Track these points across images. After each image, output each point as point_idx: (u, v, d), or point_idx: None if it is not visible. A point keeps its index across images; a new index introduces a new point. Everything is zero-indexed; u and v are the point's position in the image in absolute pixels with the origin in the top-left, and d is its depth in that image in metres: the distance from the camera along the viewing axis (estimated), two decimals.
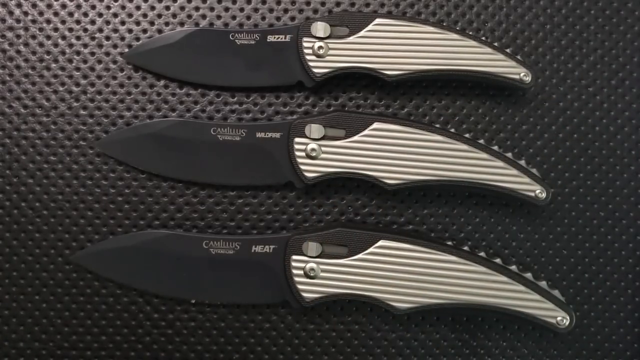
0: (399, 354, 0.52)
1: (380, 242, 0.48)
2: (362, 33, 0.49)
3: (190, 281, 0.50)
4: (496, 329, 0.52)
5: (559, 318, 0.47)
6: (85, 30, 0.52)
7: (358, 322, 0.52)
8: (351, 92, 0.52)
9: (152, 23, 0.52)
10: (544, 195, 0.48)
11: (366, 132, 0.49)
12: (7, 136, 0.52)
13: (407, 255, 0.48)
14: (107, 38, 0.52)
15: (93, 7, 0.52)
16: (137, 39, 0.52)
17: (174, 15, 0.53)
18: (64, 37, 0.52)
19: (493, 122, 0.53)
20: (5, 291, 0.51)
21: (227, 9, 0.53)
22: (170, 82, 0.52)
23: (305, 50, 0.50)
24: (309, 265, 0.48)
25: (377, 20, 0.49)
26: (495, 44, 0.51)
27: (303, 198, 0.52)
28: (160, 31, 0.52)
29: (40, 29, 0.52)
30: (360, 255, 0.48)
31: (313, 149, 0.49)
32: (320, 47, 0.49)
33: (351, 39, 0.49)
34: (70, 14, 0.52)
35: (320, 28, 0.49)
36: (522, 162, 0.49)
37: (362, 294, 0.48)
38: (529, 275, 0.49)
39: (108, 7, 0.52)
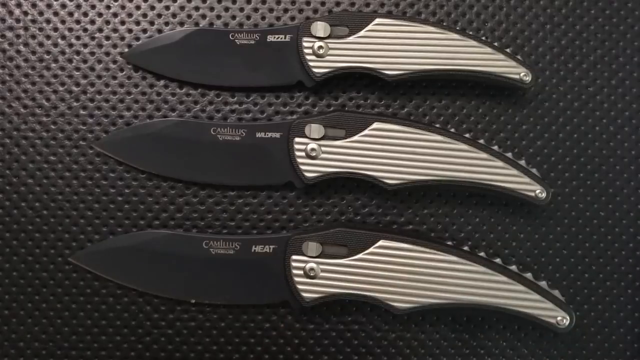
0: (399, 354, 0.52)
1: (380, 242, 0.48)
2: (362, 33, 0.49)
3: (190, 281, 0.50)
4: (496, 329, 0.52)
5: (559, 318, 0.47)
6: (85, 30, 0.52)
7: (358, 322, 0.52)
8: (351, 92, 0.52)
9: (151, 23, 0.52)
10: (544, 195, 0.48)
11: (366, 132, 0.49)
12: (7, 136, 0.52)
13: (407, 255, 0.48)
14: (107, 38, 0.52)
15: (93, 6, 0.52)
16: (137, 38, 0.52)
17: (174, 15, 0.52)
18: (63, 37, 0.52)
19: (493, 122, 0.53)
20: (5, 291, 0.51)
21: (227, 9, 0.53)
22: (170, 82, 0.52)
23: (305, 50, 0.49)
24: (309, 265, 0.48)
25: (377, 20, 0.49)
26: (495, 43, 0.51)
27: (303, 198, 0.52)
28: (160, 31, 0.52)
29: (40, 29, 0.52)
30: (360, 255, 0.48)
31: (313, 149, 0.49)
32: (320, 47, 0.49)
33: (351, 38, 0.49)
34: (70, 14, 0.52)
35: (320, 28, 0.49)
36: (522, 162, 0.49)
37: (362, 294, 0.48)
38: (529, 275, 0.49)
39: (108, 7, 0.52)
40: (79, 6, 0.52)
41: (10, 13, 0.52)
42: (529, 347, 0.52)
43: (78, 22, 0.52)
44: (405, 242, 0.48)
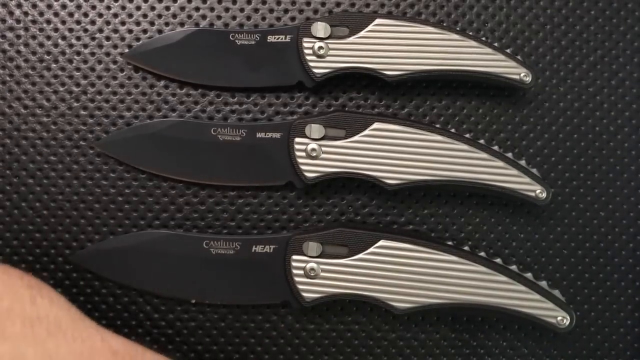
0: (399, 354, 0.52)
1: (380, 242, 0.48)
2: (362, 33, 0.49)
3: (190, 281, 0.50)
4: (496, 329, 0.52)
5: (559, 318, 0.47)
6: (86, 30, 0.52)
7: (358, 322, 0.52)
8: (351, 93, 0.52)
9: (152, 23, 0.52)
10: (544, 195, 0.48)
11: (366, 132, 0.49)
12: (7, 136, 0.52)
13: (407, 255, 0.48)
14: (108, 38, 0.52)
15: (93, 7, 0.52)
16: (138, 39, 0.52)
17: (174, 16, 0.53)
18: (64, 38, 0.52)
19: (493, 123, 0.53)
20: None
21: (227, 10, 0.53)
22: (171, 82, 0.52)
23: (306, 51, 0.50)
24: (309, 265, 0.48)
25: (377, 21, 0.49)
26: (496, 44, 0.51)
27: (303, 198, 0.52)
28: (160, 31, 0.52)
29: (41, 30, 0.52)
30: (360, 255, 0.48)
31: (313, 149, 0.49)
32: (320, 48, 0.49)
33: (351, 39, 0.49)
34: (71, 15, 0.52)
35: (320, 28, 0.49)
36: (522, 162, 0.49)
37: (362, 294, 0.48)
38: (529, 275, 0.49)
39: (108, 8, 0.52)
40: (79, 7, 0.52)
41: (11, 13, 0.52)
42: (529, 347, 0.52)
43: (78, 22, 0.52)
44: (405, 242, 0.48)
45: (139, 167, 0.51)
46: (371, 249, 0.48)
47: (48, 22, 0.52)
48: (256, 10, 0.53)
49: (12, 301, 0.40)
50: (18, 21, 0.52)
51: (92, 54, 0.52)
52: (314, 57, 0.50)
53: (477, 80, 0.50)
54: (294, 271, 0.48)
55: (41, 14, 0.52)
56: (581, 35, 0.53)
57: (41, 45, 0.52)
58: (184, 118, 0.52)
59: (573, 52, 0.53)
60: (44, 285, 0.44)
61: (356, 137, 0.49)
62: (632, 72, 0.53)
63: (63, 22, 0.52)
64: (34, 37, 0.52)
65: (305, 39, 0.50)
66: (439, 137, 0.49)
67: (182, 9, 0.53)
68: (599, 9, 0.53)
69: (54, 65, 0.52)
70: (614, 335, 0.52)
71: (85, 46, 0.52)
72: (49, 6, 0.52)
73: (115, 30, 0.52)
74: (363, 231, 0.48)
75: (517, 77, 0.49)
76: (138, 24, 0.52)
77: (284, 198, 0.52)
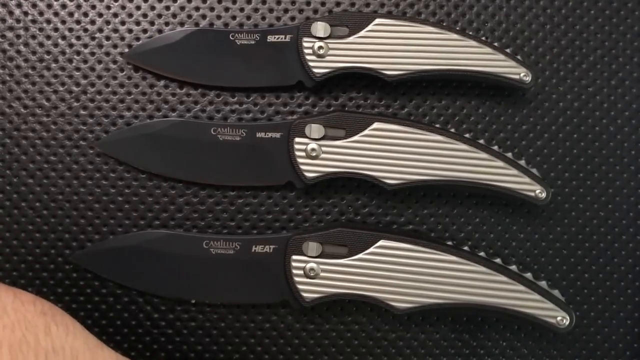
0: (399, 354, 0.52)
1: (380, 242, 0.48)
2: (362, 33, 0.49)
3: (190, 281, 0.50)
4: (496, 329, 0.52)
5: (558, 318, 0.47)
6: (86, 30, 0.52)
7: (358, 322, 0.52)
8: (351, 92, 0.52)
9: (152, 23, 0.52)
10: (544, 195, 0.48)
11: (366, 132, 0.49)
12: (7, 136, 0.52)
13: (407, 255, 0.48)
14: (107, 38, 0.52)
15: (93, 7, 0.52)
16: (137, 39, 0.52)
17: (174, 15, 0.53)
18: (64, 37, 0.52)
19: (493, 122, 0.53)
20: None
21: (227, 9, 0.53)
22: (171, 82, 0.52)
23: (306, 50, 0.50)
24: (309, 265, 0.48)
25: (377, 20, 0.49)
26: (495, 44, 0.51)
27: (303, 198, 0.52)
28: (160, 31, 0.52)
29: (40, 29, 0.52)
30: (360, 255, 0.48)
31: (313, 149, 0.49)
32: (320, 47, 0.49)
33: (351, 39, 0.49)
34: (71, 14, 0.52)
35: (320, 28, 0.49)
36: (522, 162, 0.49)
37: (362, 294, 0.48)
38: (529, 275, 0.49)
39: (108, 7, 0.52)
40: (79, 6, 0.52)
41: (11, 13, 0.52)
42: (529, 347, 0.52)
43: (78, 22, 0.52)
44: (405, 242, 0.48)
45: (139, 167, 0.51)
46: (371, 249, 0.48)
47: (48, 21, 0.52)
48: (256, 10, 0.53)
49: (24, 332, 0.37)
50: (18, 21, 0.52)
51: (92, 53, 0.52)
52: (313, 57, 0.50)
53: (476, 80, 0.50)
54: (294, 271, 0.48)
55: (41, 13, 0.52)
56: (581, 35, 0.53)
57: (41, 44, 0.52)
58: (184, 118, 0.52)
59: (573, 52, 0.53)
60: (58, 310, 0.40)
61: (356, 137, 0.49)
62: (632, 72, 0.53)
63: (63, 22, 0.52)
64: (33, 36, 0.52)
65: (305, 39, 0.50)
66: (438, 137, 0.48)
67: (182, 8, 0.53)
68: (598, 8, 0.53)
69: (54, 65, 0.52)
70: (613, 336, 0.52)
71: (85, 46, 0.52)
72: (49, 6, 0.52)
73: (115, 30, 0.52)
74: (363, 231, 0.48)
75: (516, 76, 0.49)
76: (138, 23, 0.52)
77: (284, 198, 0.52)
